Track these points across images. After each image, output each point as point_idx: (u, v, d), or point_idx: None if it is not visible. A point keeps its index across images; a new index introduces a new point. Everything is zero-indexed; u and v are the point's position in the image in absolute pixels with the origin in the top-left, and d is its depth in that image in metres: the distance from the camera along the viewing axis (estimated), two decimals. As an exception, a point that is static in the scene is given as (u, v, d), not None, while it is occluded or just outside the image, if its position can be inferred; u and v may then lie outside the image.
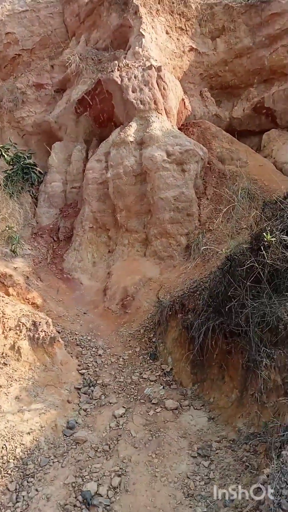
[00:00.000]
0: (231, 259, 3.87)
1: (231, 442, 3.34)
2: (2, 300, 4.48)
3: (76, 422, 3.83)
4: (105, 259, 6.85)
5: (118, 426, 3.75)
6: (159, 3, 7.86)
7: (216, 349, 3.95)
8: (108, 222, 7.03)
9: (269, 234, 3.46)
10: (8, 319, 4.21)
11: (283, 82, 7.91)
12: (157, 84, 6.92)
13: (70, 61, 7.99)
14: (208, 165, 6.97)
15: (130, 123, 6.87)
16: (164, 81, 6.97)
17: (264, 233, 3.47)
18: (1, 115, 8.88)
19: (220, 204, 6.36)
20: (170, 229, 6.32)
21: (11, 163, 7.72)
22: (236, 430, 3.40)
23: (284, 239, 3.45)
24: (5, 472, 3.17)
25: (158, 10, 7.85)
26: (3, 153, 7.71)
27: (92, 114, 7.70)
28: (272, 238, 3.44)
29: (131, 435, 3.61)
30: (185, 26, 8.06)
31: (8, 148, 7.86)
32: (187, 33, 8.09)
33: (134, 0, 7.56)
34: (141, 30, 7.30)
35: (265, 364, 3.30)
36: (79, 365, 4.63)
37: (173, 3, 7.90)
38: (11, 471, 3.19)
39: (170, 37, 7.93)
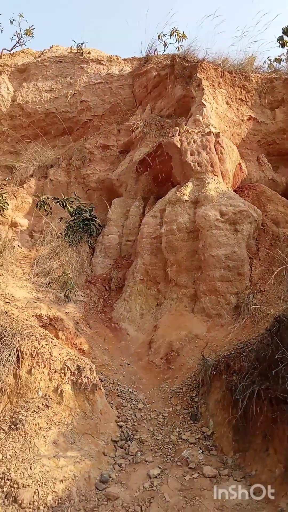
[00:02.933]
0: (280, 321, 3.78)
1: (272, 523, 3.06)
2: (51, 342, 4.65)
3: (110, 477, 3.73)
4: (153, 311, 6.92)
5: (152, 487, 3.59)
6: (221, 77, 8.50)
7: (260, 416, 3.75)
8: (159, 276, 7.18)
9: None
10: (55, 361, 4.34)
11: None
12: (215, 149, 7.30)
13: (135, 126, 8.74)
14: (261, 227, 7.01)
15: (186, 183, 7.21)
16: (221, 146, 7.34)
17: (316, 298, 3.40)
18: (69, 172, 9.72)
19: (273, 266, 6.29)
20: (220, 287, 6.31)
21: (73, 214, 8.30)
22: (279, 511, 3.12)
23: None
24: (35, 519, 3.13)
25: (220, 83, 8.48)
26: (67, 205, 8.35)
27: (151, 173, 8.20)
28: None
29: (165, 499, 3.43)
30: (245, 97, 8.58)
31: (72, 201, 8.50)
32: (246, 104, 8.58)
33: (198, 74, 8.25)
34: (202, 100, 7.87)
35: (312, 438, 3.09)
36: (118, 417, 4.57)
37: (234, 77, 8.51)
38: (40, 519, 3.14)
39: (230, 107, 8.44)
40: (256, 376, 3.85)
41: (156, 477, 3.71)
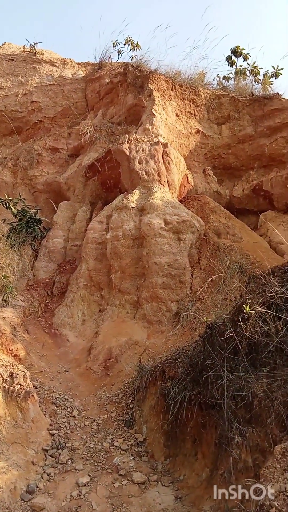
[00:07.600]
0: (211, 328, 3.90)
1: (196, 526, 3.12)
2: (-17, 348, 4.45)
3: (37, 487, 3.61)
4: (95, 318, 6.86)
5: (80, 496, 3.53)
6: (172, 89, 8.71)
7: (191, 421, 3.83)
8: (103, 282, 7.15)
9: (248, 306, 3.53)
10: (-15, 367, 4.16)
11: (281, 169, 8.45)
12: (162, 159, 7.45)
13: (85, 131, 8.70)
14: (204, 237, 7.23)
15: (133, 191, 7.29)
16: (169, 156, 7.51)
17: (244, 305, 3.54)
18: (15, 172, 9.46)
19: (213, 275, 6.49)
20: (162, 294, 6.40)
21: (17, 215, 8.06)
22: (202, 513, 3.19)
23: (263, 313, 3.51)
24: None
25: (170, 95, 8.68)
26: (11, 206, 8.09)
27: (100, 179, 8.19)
28: (251, 310, 3.50)
29: (92, 507, 3.38)
30: (194, 111, 8.85)
31: (17, 202, 8.26)
32: (195, 117, 8.85)
33: (149, 85, 8.39)
34: (153, 110, 8.01)
35: (236, 442, 3.18)
36: (50, 425, 4.45)
37: (184, 90, 8.75)
38: None
39: (180, 119, 8.67)
40: (188, 382, 3.93)
41: (85, 485, 3.66)
